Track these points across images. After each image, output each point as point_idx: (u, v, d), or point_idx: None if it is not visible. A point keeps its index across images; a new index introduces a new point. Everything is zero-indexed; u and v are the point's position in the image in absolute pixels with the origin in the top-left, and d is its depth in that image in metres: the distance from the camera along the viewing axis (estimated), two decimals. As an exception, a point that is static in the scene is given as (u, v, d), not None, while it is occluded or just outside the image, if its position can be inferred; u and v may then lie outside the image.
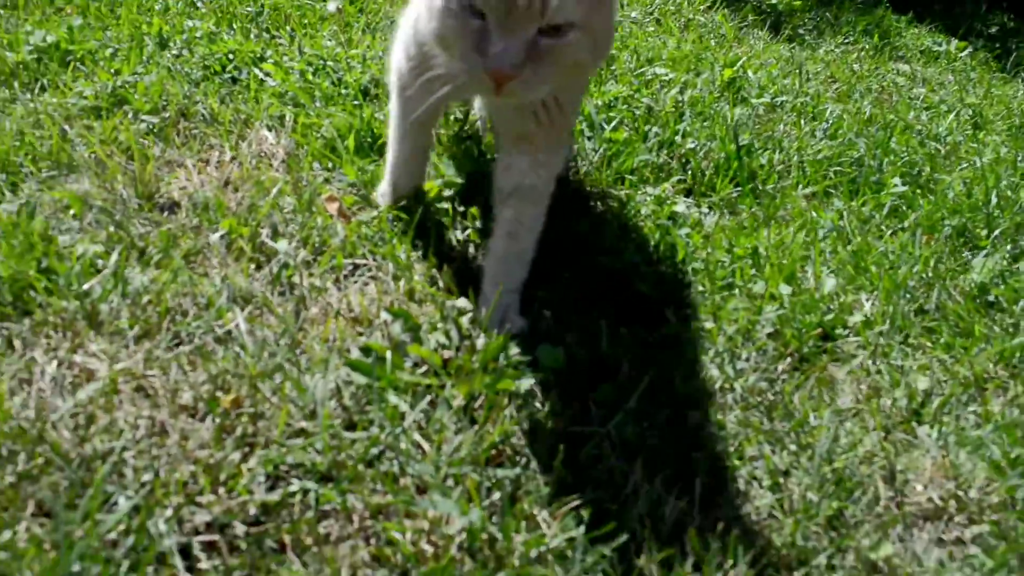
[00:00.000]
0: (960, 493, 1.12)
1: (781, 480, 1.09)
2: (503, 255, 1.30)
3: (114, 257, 1.20)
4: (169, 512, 0.85)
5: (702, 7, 3.33)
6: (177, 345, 1.09)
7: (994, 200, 2.03)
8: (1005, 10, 4.61)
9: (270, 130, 1.72)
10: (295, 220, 1.41)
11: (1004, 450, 1.19)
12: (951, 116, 2.69)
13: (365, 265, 1.35)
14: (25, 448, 0.88)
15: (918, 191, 2.04)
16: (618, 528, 0.94)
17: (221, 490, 0.89)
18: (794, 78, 2.67)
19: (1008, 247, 1.84)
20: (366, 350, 1.09)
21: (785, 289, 1.48)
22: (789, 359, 1.32)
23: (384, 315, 1.19)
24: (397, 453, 0.98)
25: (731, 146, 1.95)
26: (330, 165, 1.62)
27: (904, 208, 1.95)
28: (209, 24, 2.18)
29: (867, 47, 3.40)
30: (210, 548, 0.84)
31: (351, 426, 1.02)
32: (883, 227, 1.85)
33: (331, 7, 2.35)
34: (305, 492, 0.90)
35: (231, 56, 2.00)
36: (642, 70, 2.39)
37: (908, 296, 1.56)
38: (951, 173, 2.19)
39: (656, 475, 1.05)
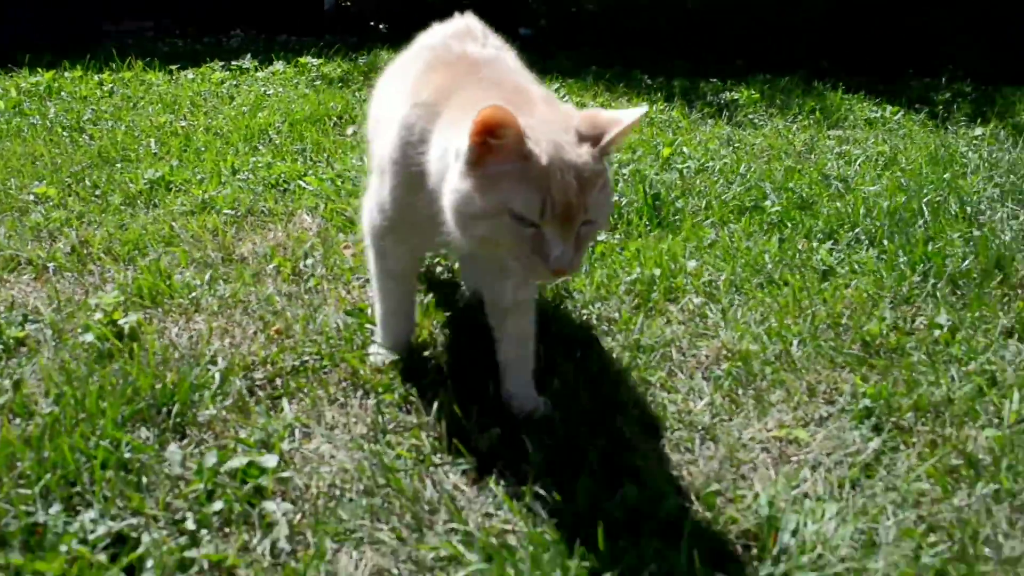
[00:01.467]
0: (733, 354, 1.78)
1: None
2: (516, 358, 1.57)
3: (207, 277, 2.03)
4: (242, 373, 1.61)
5: (662, 107, 4.19)
6: (246, 313, 1.88)
7: (862, 211, 2.73)
8: (962, 79, 5.33)
9: (308, 214, 2.58)
10: (323, 258, 2.22)
11: (772, 327, 1.86)
12: (858, 162, 3.41)
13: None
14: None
15: (799, 212, 2.75)
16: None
17: (268, 365, 1.65)
18: (724, 148, 3.45)
19: (850, 238, 2.52)
20: (352, 311, 1.86)
21: (657, 271, 2.20)
22: (639, 302, 2.03)
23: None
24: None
25: (647, 197, 2.71)
26: (349, 232, 2.44)
27: (786, 224, 2.65)
28: (268, 158, 3.11)
29: (809, 122, 4.16)
30: (262, 387, 1.59)
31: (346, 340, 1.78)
32: (765, 236, 2.55)
33: (348, 132, 3.28)
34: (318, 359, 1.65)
35: (283, 175, 2.90)
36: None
37: (757, 269, 2.25)
38: (835, 200, 2.89)
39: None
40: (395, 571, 1.13)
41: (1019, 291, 2.21)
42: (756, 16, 6.47)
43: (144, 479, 1.27)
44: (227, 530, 1.19)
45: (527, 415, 1.51)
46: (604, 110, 1.30)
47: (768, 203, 2.80)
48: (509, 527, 1.20)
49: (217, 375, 1.58)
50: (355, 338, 1.76)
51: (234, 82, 4.48)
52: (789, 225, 2.63)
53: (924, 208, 2.82)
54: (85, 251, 2.22)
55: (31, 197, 2.62)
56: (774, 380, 1.68)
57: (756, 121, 4.20)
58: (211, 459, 1.28)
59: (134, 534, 1.15)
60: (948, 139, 3.87)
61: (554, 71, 5.07)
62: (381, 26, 7.67)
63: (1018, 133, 3.93)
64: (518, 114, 1.16)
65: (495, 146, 1.18)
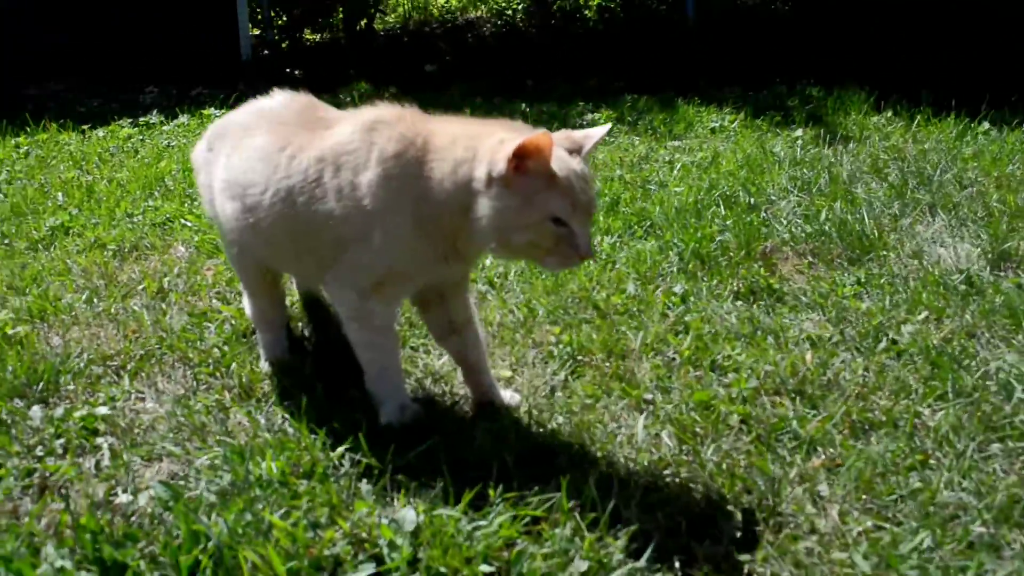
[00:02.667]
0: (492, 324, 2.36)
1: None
2: (479, 360, 1.91)
3: (84, 298, 2.59)
4: (101, 361, 2.16)
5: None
6: (113, 321, 2.44)
7: (658, 209, 3.35)
8: (813, 84, 6.01)
9: (183, 246, 3.15)
10: (185, 278, 2.78)
11: (527, 302, 2.45)
12: (678, 167, 4.04)
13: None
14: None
15: (606, 214, 3.35)
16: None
17: (122, 355, 2.21)
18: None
19: (641, 232, 3.14)
20: (193, 313, 2.42)
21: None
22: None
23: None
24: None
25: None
26: (213, 257, 3.01)
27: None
28: (158, 202, 3.68)
29: (653, 136, 4.80)
30: (114, 371, 2.15)
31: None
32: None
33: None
34: (159, 348, 2.21)
35: (168, 215, 3.47)
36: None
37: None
38: (644, 201, 3.50)
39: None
40: (182, 473, 1.69)
41: (757, 262, 2.82)
42: (635, 38, 7.19)
43: (13, 430, 1.82)
44: (67, 456, 1.75)
45: (487, 394, 1.91)
46: (576, 130, 1.70)
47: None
48: (260, 439, 1.76)
49: (81, 363, 2.13)
50: (190, 331, 2.33)
51: (140, 137, 5.05)
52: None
53: (719, 201, 3.45)
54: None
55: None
56: (504, 340, 2.27)
57: (606, 139, 4.84)
58: (59, 412, 1.84)
59: (8, 464, 1.70)
60: (768, 141, 4.52)
61: (443, 104, 5.71)
62: (296, 72, 8.27)
63: (830, 133, 4.60)
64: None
65: (528, 167, 1.54)
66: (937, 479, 1.61)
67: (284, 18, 9.68)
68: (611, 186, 3.72)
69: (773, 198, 3.55)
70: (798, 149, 4.36)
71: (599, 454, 1.72)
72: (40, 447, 1.77)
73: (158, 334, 2.32)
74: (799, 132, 4.68)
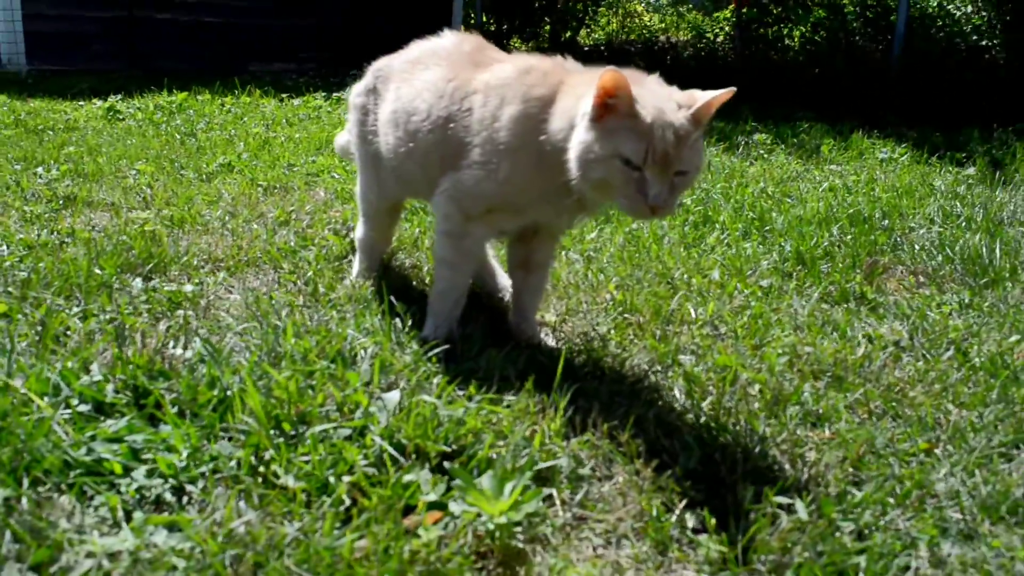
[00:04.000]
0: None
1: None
2: (530, 302, 2.07)
3: (218, 213, 2.94)
4: (211, 261, 2.47)
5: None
6: (234, 234, 2.76)
7: (776, 215, 3.32)
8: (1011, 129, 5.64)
9: (323, 191, 3.47)
10: (313, 214, 3.08)
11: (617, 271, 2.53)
12: (824, 186, 3.95)
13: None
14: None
15: (718, 214, 3.37)
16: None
17: (229, 259, 2.51)
18: (715, 174, 4.09)
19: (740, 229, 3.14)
20: (300, 234, 2.69)
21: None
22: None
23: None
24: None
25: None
26: (342, 202, 3.30)
27: (707, 223, 3.28)
28: (321, 159, 4.06)
29: (810, 159, 4.70)
30: (218, 269, 2.44)
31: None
32: (686, 228, 3.20)
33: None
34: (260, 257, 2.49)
35: (323, 168, 3.83)
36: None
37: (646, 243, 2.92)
38: (773, 210, 3.48)
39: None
40: (231, 343, 1.92)
41: (859, 272, 2.75)
42: (834, 70, 7.01)
43: (117, 294, 2.14)
44: (153, 317, 2.04)
45: (530, 341, 2.02)
46: (698, 91, 1.67)
47: (721, 213, 3.45)
48: (303, 327, 1.96)
49: (193, 259, 2.45)
50: (292, 248, 2.60)
51: (329, 108, 5.55)
52: (707, 224, 3.26)
53: (850, 218, 3.38)
54: (150, 200, 3.21)
55: (133, 171, 3.68)
56: (564, 294, 2.37)
57: (766, 157, 4.79)
58: (153, 284, 2.14)
59: (102, 315, 2.01)
60: (931, 174, 4.31)
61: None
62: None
63: (1006, 176, 4.31)
64: (631, 83, 1.58)
65: (612, 105, 1.58)
66: (933, 466, 1.56)
67: (495, 26, 10.19)
68: (744, 192, 3.72)
69: (912, 225, 3.41)
70: (962, 185, 4.14)
71: (598, 387, 1.79)
72: (129, 307, 2.06)
73: (264, 246, 2.61)
74: (970, 170, 4.43)
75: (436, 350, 1.84)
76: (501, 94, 1.83)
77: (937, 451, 1.63)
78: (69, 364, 1.66)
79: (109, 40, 7.51)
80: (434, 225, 2.29)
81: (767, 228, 3.22)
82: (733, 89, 1.67)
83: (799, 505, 1.39)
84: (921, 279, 2.78)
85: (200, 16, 7.92)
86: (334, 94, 5.99)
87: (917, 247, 3.06)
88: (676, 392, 1.82)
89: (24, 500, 1.28)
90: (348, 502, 1.33)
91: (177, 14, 7.80)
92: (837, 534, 1.34)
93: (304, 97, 5.82)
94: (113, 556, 1.20)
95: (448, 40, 2.10)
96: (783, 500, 1.40)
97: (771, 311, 2.34)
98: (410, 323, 2.01)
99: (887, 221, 3.38)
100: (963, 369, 2.01)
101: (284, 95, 5.82)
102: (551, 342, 2.08)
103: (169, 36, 7.71)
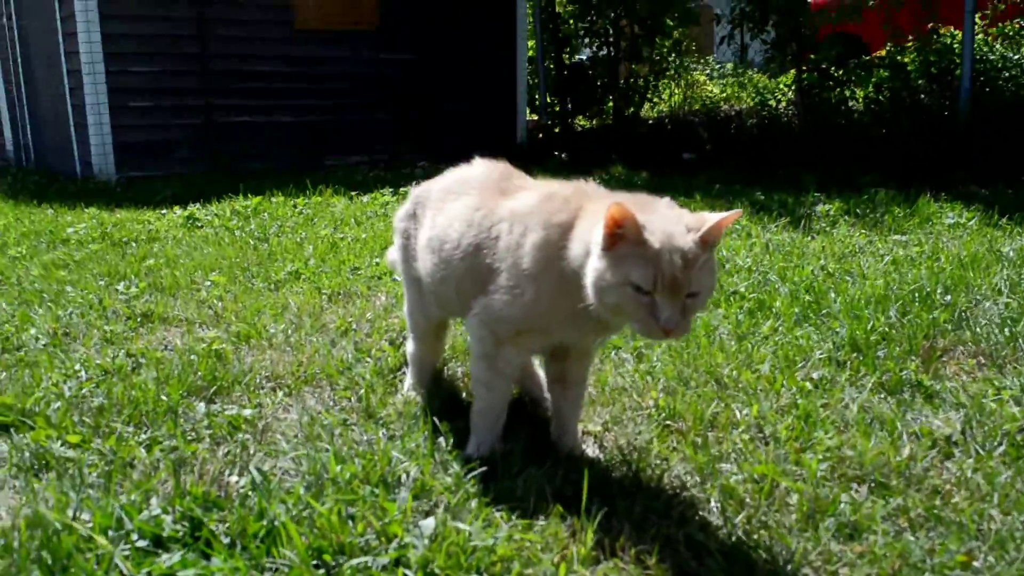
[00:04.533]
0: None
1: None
2: (570, 417, 2.13)
3: (281, 327, 3.09)
4: (273, 379, 2.60)
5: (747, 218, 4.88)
6: (295, 349, 2.90)
7: (833, 297, 3.31)
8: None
9: (384, 296, 3.61)
10: (372, 322, 3.21)
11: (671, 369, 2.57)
12: (885, 260, 3.91)
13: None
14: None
15: (774, 299, 3.37)
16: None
17: (288, 376, 2.64)
18: (773, 253, 4.11)
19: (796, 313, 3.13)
20: (360, 348, 2.81)
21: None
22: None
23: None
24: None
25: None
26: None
27: (761, 310, 3.29)
28: (384, 259, 4.23)
29: (875, 229, 4.65)
30: (279, 387, 2.57)
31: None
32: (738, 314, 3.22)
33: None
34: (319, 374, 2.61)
35: (385, 271, 3.98)
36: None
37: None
38: (831, 290, 3.47)
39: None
40: (283, 467, 2.03)
41: (917, 358, 2.72)
42: (899, 129, 6.94)
43: (181, 420, 2.29)
44: (214, 443, 2.16)
45: (572, 453, 2.08)
46: (709, 212, 1.75)
47: (775, 295, 3.46)
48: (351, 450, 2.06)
49: (256, 377, 2.59)
50: (348, 363, 2.72)
51: (395, 203, 5.76)
52: (762, 311, 3.27)
53: (913, 296, 3.34)
54: (220, 313, 3.39)
55: (207, 283, 3.90)
56: (608, 400, 2.42)
57: (827, 228, 4.77)
58: (215, 408, 2.28)
59: (166, 442, 2.15)
60: (999, 240, 4.22)
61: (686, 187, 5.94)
62: (563, 155, 8.88)
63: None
64: (640, 212, 1.65)
65: (621, 235, 1.65)
66: (971, 581, 1.54)
67: (559, 106, 10.42)
68: (803, 272, 3.71)
69: (978, 298, 3.35)
70: (1034, 251, 4.04)
71: (631, 505, 1.82)
72: (192, 433, 2.20)
73: (323, 362, 2.74)
74: (1043, 234, 4.32)
75: (475, 472, 1.91)
76: (525, 222, 1.93)
77: (977, 563, 1.61)
78: (132, 497, 1.79)
79: (192, 146, 7.98)
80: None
81: (823, 312, 3.21)
82: (739, 212, 1.79)
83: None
84: (982, 360, 2.73)
85: (275, 116, 8.35)
86: (401, 188, 6.22)
87: (981, 323, 3.00)
88: (713, 505, 1.84)
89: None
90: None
91: (254, 116, 8.24)
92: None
93: (373, 193, 6.06)
94: None
95: (478, 169, 2.22)
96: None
97: (820, 407, 2.33)
98: (454, 441, 2.09)
99: (950, 296, 3.33)
100: (1013, 467, 1.97)
101: (354, 192, 6.07)
102: (592, 453, 2.12)
103: (247, 138, 8.15)
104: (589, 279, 1.72)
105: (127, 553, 1.62)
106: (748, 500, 1.85)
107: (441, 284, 2.15)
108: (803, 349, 2.80)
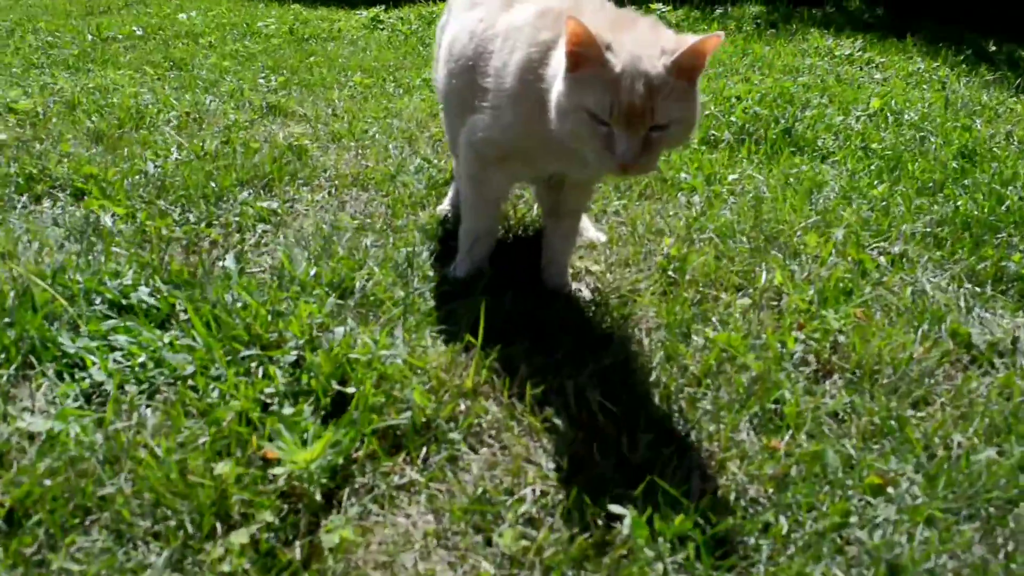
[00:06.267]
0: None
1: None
2: (561, 249, 2.00)
3: (374, 129, 3.13)
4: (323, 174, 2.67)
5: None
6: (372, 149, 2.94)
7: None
8: None
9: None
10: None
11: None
12: None
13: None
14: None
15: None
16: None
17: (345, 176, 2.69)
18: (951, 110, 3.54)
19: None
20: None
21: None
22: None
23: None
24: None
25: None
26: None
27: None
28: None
29: None
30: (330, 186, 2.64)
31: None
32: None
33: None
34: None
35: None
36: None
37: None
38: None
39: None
40: (273, 267, 2.11)
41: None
42: None
43: (222, 206, 2.42)
44: (235, 230, 2.29)
45: (558, 289, 2.00)
46: (691, 35, 1.52)
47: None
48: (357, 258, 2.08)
49: (317, 175, 2.68)
50: (406, 173, 2.72)
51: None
52: (896, 170, 2.87)
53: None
54: (338, 113, 3.49)
55: (350, 83, 4.00)
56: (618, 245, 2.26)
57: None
58: (245, 196, 2.41)
59: (193, 225, 2.30)
60: None
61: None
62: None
63: None
64: (612, 30, 1.49)
65: (582, 54, 1.48)
66: None
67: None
68: (968, 136, 3.18)
69: None
70: None
71: (558, 352, 1.72)
72: (218, 218, 2.33)
73: (385, 167, 2.76)
74: None
75: (422, 289, 1.89)
76: (514, 38, 1.76)
77: (892, 489, 1.38)
78: (112, 266, 1.94)
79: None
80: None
81: (966, 182, 2.75)
82: (721, 35, 1.51)
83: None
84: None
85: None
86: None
87: None
88: (646, 365, 1.70)
89: (4, 376, 1.56)
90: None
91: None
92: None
93: None
94: (31, 436, 1.44)
95: None
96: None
97: (864, 285, 2.04)
98: (440, 258, 2.07)
99: None
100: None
101: None
102: (587, 294, 2.01)
103: None
104: (552, 101, 1.58)
105: (87, 314, 1.77)
106: (691, 369, 1.69)
107: (453, 98, 2.04)
108: (902, 219, 2.43)
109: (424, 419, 1.47)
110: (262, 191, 2.56)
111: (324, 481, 1.32)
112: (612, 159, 1.48)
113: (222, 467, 1.31)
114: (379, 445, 1.41)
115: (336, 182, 2.65)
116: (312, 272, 1.94)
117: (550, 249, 2.03)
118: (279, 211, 2.38)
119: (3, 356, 1.62)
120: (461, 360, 1.64)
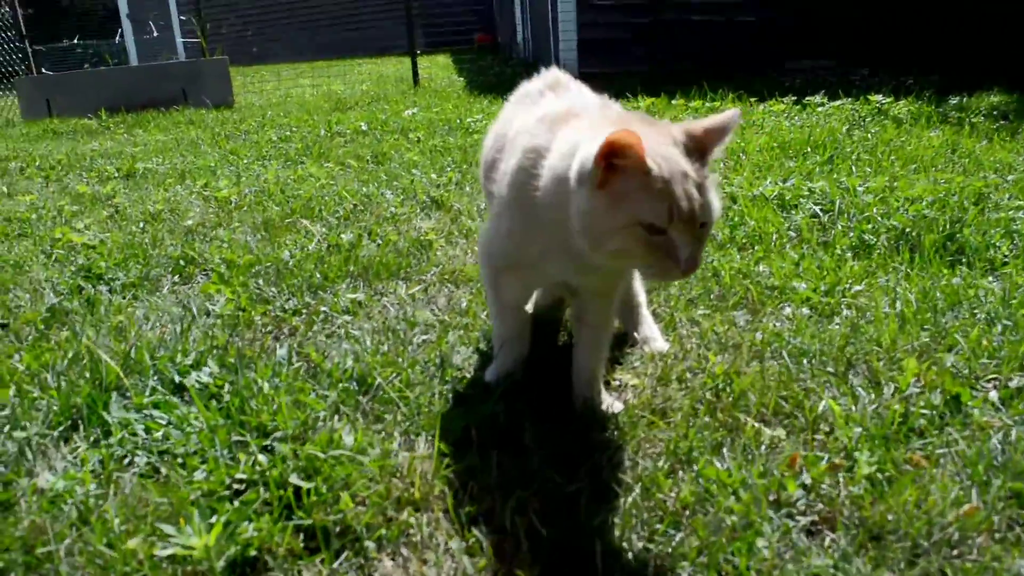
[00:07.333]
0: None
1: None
2: (587, 363, 1.90)
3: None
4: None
5: None
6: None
7: None
8: None
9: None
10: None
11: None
12: None
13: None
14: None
15: None
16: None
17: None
18: None
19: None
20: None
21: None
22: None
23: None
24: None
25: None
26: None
27: None
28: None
29: None
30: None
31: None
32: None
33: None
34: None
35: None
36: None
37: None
38: None
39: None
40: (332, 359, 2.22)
41: None
42: None
43: (320, 291, 2.59)
44: (317, 319, 2.43)
45: (586, 401, 1.90)
46: (697, 121, 1.46)
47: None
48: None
49: (427, 271, 2.79)
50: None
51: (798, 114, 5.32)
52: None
53: None
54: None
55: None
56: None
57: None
58: (342, 288, 2.56)
59: (282, 312, 2.48)
60: None
61: None
62: None
63: None
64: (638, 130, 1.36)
65: (619, 166, 1.37)
66: None
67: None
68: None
69: None
70: None
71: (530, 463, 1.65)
72: (307, 307, 2.49)
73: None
74: None
75: (435, 391, 1.89)
76: (516, 143, 1.74)
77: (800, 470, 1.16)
78: (180, 347, 2.15)
79: (640, 44, 8.20)
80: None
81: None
82: (737, 112, 1.45)
83: None
84: None
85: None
86: (805, 97, 5.67)
87: None
88: (632, 495, 1.57)
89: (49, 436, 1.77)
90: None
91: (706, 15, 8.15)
92: None
93: (769, 102, 5.65)
94: (41, 492, 1.62)
95: (536, 80, 2.05)
96: None
97: (954, 426, 1.75)
98: (476, 363, 2.07)
99: None
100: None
101: (751, 99, 5.71)
102: (618, 408, 1.91)
103: (684, 38, 8.18)
104: (579, 223, 1.45)
105: (139, 389, 1.98)
106: (669, 503, 1.54)
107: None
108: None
109: (346, 524, 1.47)
110: (366, 282, 2.70)
111: (222, 569, 1.36)
112: (676, 267, 1.39)
113: (133, 543, 1.40)
114: (294, 542, 1.43)
115: (436, 278, 2.73)
116: (345, 366, 2.02)
117: (577, 360, 1.94)
118: (363, 303, 2.50)
119: (56, 419, 1.85)
120: (426, 468, 1.63)
